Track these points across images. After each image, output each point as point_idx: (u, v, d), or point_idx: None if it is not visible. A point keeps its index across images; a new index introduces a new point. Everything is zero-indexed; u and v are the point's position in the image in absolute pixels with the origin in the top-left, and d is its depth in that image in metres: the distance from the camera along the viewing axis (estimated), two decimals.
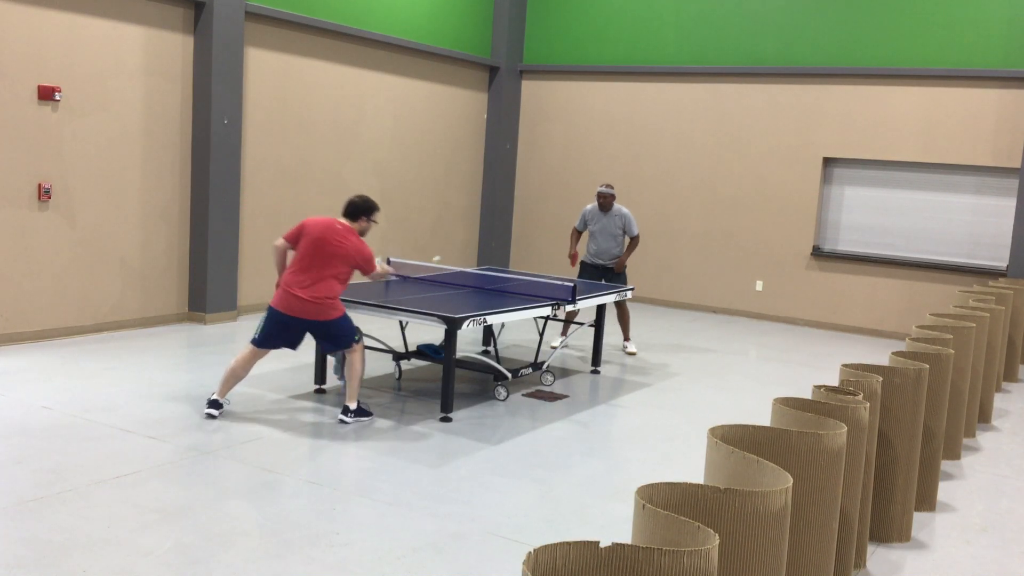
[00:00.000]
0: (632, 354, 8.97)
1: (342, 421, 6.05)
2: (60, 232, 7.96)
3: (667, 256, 12.16)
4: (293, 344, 6.08)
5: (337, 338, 6.06)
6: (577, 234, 9.02)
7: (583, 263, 9.01)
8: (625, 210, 8.82)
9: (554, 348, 8.86)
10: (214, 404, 6.02)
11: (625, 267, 8.89)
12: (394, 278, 6.39)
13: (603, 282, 8.71)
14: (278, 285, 6.01)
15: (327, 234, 5.90)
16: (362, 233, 6.09)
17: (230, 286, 9.23)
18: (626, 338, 9.08)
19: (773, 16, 11.32)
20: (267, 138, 9.69)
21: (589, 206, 8.95)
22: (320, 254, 5.87)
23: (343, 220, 6.05)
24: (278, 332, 5.99)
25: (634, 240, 8.84)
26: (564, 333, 9.04)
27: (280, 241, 6.04)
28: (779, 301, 11.55)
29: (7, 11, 7.41)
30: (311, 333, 6.04)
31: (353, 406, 6.10)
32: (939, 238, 10.76)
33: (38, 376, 6.76)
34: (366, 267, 6.05)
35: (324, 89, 10.29)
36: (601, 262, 8.88)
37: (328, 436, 5.78)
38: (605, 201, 8.75)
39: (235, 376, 6.04)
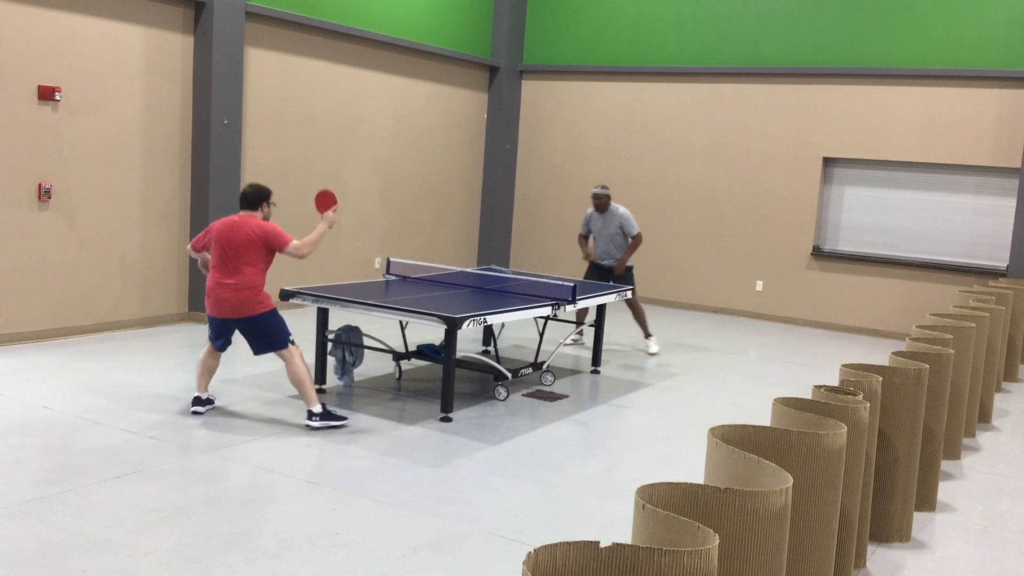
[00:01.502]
0: (654, 354, 8.95)
1: (308, 426, 5.90)
2: (60, 232, 7.96)
3: (667, 256, 12.16)
4: (225, 345, 6.10)
5: (267, 335, 5.93)
6: (583, 239, 8.98)
7: (591, 264, 9.00)
8: (623, 210, 8.75)
9: (566, 344, 9.00)
10: (197, 401, 6.10)
11: (626, 267, 8.83)
12: (331, 216, 6.13)
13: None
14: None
15: (229, 229, 5.88)
16: (265, 219, 6.03)
17: None
18: (646, 335, 9.05)
19: (773, 16, 11.32)
20: (267, 138, 9.70)
21: (589, 209, 8.94)
22: (228, 248, 5.85)
23: (244, 212, 6.00)
24: (217, 333, 6.04)
25: (634, 240, 8.75)
26: (579, 331, 9.14)
27: (188, 247, 6.14)
28: (779, 301, 11.54)
29: (7, 11, 7.41)
30: (241, 332, 5.98)
31: (317, 409, 5.92)
32: (939, 238, 10.76)
33: (38, 376, 6.76)
34: (275, 240, 5.87)
35: (324, 89, 10.30)
36: (605, 263, 8.87)
37: (328, 436, 5.78)
38: (599, 202, 8.70)
39: (207, 368, 6.12)
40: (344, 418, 6.04)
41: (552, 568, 2.09)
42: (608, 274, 8.84)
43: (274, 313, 5.95)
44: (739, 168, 11.66)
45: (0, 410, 5.89)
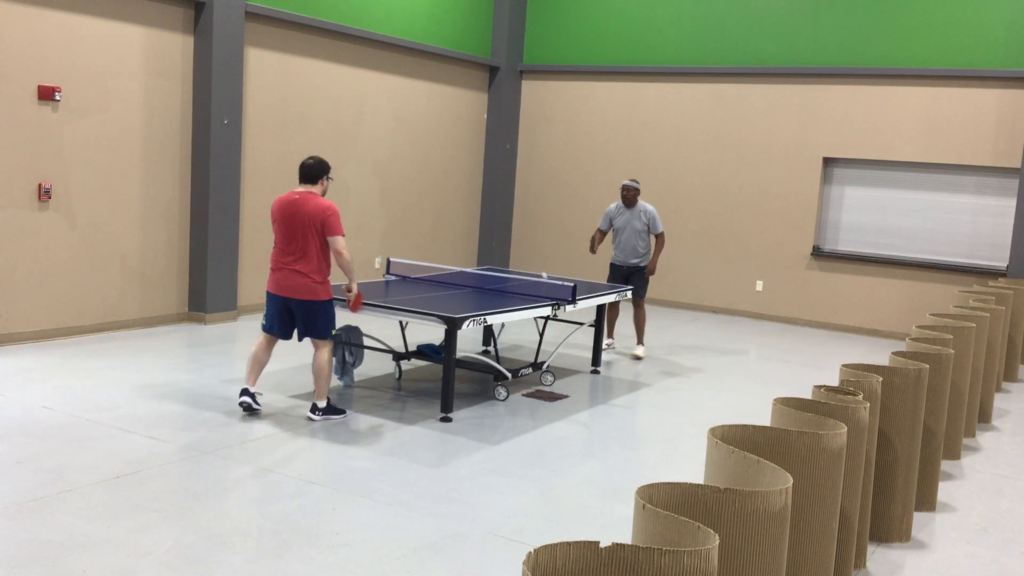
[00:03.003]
0: (638, 358, 8.81)
1: (309, 419, 6.05)
2: (60, 232, 7.96)
3: (667, 256, 12.15)
4: (289, 332, 6.09)
5: (315, 324, 5.99)
6: (600, 235, 8.78)
7: (611, 264, 8.93)
8: (650, 207, 8.71)
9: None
10: (245, 392, 6.06)
11: (654, 270, 8.81)
12: (351, 294, 6.15)
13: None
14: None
15: (291, 206, 5.88)
16: (324, 193, 6.03)
17: (230, 286, 9.23)
18: (638, 341, 8.93)
19: (773, 16, 11.32)
20: (267, 138, 9.70)
21: (613, 204, 8.87)
22: (292, 226, 5.86)
23: (303, 187, 5.98)
24: (275, 315, 6.04)
25: (660, 238, 8.75)
26: (610, 335, 9.13)
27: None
28: (779, 301, 11.54)
29: (7, 11, 7.41)
30: (294, 312, 5.99)
31: (322, 404, 6.09)
32: (939, 238, 10.76)
33: (38, 376, 6.76)
34: (329, 226, 5.82)
35: (324, 89, 10.29)
36: (630, 263, 8.76)
37: (328, 436, 5.78)
38: (629, 195, 8.60)
39: (257, 362, 6.10)
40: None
41: (552, 568, 2.09)
42: (629, 274, 8.77)
43: (331, 304, 6.02)
44: (739, 168, 11.66)
45: (0, 410, 5.89)
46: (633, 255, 8.75)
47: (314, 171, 5.96)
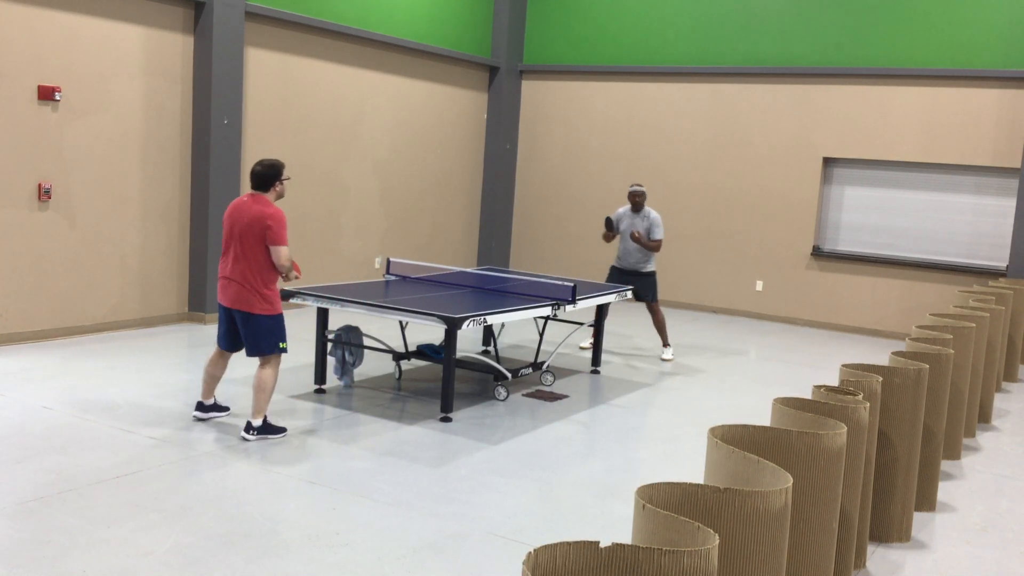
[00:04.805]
0: (667, 360, 8.76)
1: (243, 438, 5.59)
2: (60, 232, 7.96)
3: (667, 256, 12.16)
4: (234, 344, 5.73)
5: (256, 337, 5.55)
6: (609, 222, 8.61)
7: (611, 267, 8.87)
8: (655, 214, 8.58)
9: (583, 348, 9.02)
10: (199, 406, 5.92)
11: (650, 272, 8.65)
12: (294, 276, 5.68)
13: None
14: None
15: (235, 212, 5.51)
16: (279, 197, 5.64)
17: None
18: (664, 343, 8.86)
19: (773, 16, 11.32)
20: (267, 138, 9.69)
21: (621, 208, 8.74)
22: (234, 234, 5.50)
23: (254, 193, 5.55)
24: (224, 326, 5.72)
25: (656, 243, 8.54)
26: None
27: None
28: (779, 301, 11.54)
29: (7, 11, 7.41)
30: (237, 325, 5.63)
31: (257, 422, 5.61)
32: (939, 238, 10.76)
33: (38, 376, 6.76)
34: (271, 233, 5.39)
35: (324, 89, 10.30)
36: (627, 267, 8.69)
37: (328, 436, 5.78)
38: (635, 199, 8.52)
39: (210, 376, 5.85)
40: (283, 429, 5.76)
41: (552, 568, 2.09)
42: (628, 278, 8.67)
43: (274, 319, 5.58)
44: (739, 168, 11.66)
45: (0, 410, 5.89)
46: (630, 259, 8.67)
47: (263, 179, 5.54)
